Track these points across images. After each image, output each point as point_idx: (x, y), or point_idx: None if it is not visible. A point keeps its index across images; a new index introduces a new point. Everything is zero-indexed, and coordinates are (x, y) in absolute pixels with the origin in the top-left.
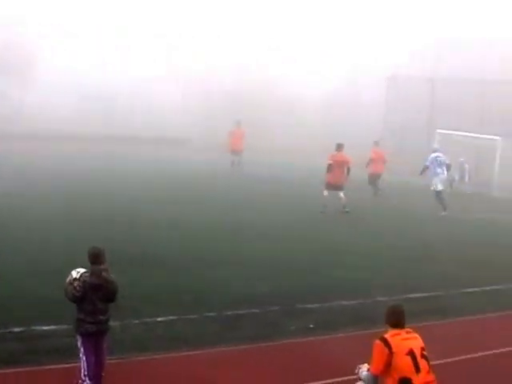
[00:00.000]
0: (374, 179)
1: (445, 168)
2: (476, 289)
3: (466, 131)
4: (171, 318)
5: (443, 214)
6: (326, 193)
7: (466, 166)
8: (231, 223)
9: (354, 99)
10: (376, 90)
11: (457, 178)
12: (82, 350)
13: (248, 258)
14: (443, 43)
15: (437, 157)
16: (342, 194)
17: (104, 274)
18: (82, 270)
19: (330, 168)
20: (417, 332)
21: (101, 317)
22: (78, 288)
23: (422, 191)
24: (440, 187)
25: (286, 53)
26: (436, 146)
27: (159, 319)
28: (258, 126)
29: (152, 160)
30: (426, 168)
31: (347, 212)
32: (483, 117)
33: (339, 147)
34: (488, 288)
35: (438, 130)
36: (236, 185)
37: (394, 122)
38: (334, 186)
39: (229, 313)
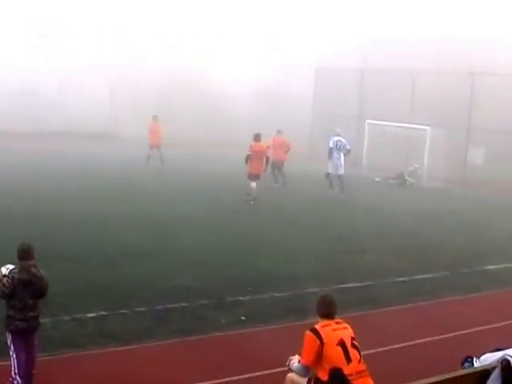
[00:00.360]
0: (274, 167)
1: (342, 153)
2: (407, 278)
3: (396, 121)
4: (102, 313)
5: (330, 191)
6: (253, 184)
7: (420, 172)
8: (157, 217)
9: (282, 91)
10: (305, 82)
11: (407, 177)
12: (11, 347)
13: (175, 252)
14: (372, 34)
15: (337, 141)
16: (254, 184)
17: (33, 269)
18: (10, 267)
19: (248, 159)
20: (349, 322)
21: (31, 313)
22: (6, 284)
23: (350, 182)
24: (330, 170)
25: (214, 46)
26: (339, 130)
27: (90, 315)
28: (187, 121)
29: (77, 155)
30: (330, 150)
31: (248, 201)
32: (413, 107)
33: (257, 137)
34: (419, 277)
35: (368, 121)
36: (163, 179)
37: (322, 113)
38: (256, 176)
39: (159, 307)
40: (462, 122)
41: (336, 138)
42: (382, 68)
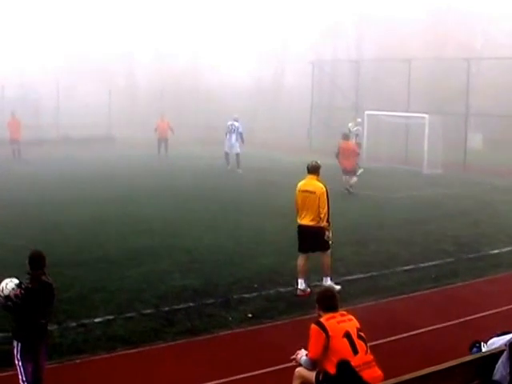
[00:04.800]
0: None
1: (234, 135)
2: (412, 266)
3: (394, 110)
4: (108, 317)
5: (228, 168)
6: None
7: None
8: (156, 218)
9: (279, 85)
10: (302, 75)
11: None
12: (18, 356)
13: (177, 252)
14: (365, 24)
15: (231, 124)
16: None
17: (43, 278)
18: (15, 280)
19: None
20: (355, 313)
21: (41, 321)
22: (20, 296)
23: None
24: (226, 149)
25: (208, 41)
26: (236, 115)
27: (96, 320)
28: (183, 116)
29: (74, 160)
30: (226, 133)
31: None
32: (410, 95)
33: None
34: (424, 264)
35: (366, 112)
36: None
37: (320, 106)
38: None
39: (165, 308)
40: (460, 109)
41: (230, 122)
42: (378, 58)
